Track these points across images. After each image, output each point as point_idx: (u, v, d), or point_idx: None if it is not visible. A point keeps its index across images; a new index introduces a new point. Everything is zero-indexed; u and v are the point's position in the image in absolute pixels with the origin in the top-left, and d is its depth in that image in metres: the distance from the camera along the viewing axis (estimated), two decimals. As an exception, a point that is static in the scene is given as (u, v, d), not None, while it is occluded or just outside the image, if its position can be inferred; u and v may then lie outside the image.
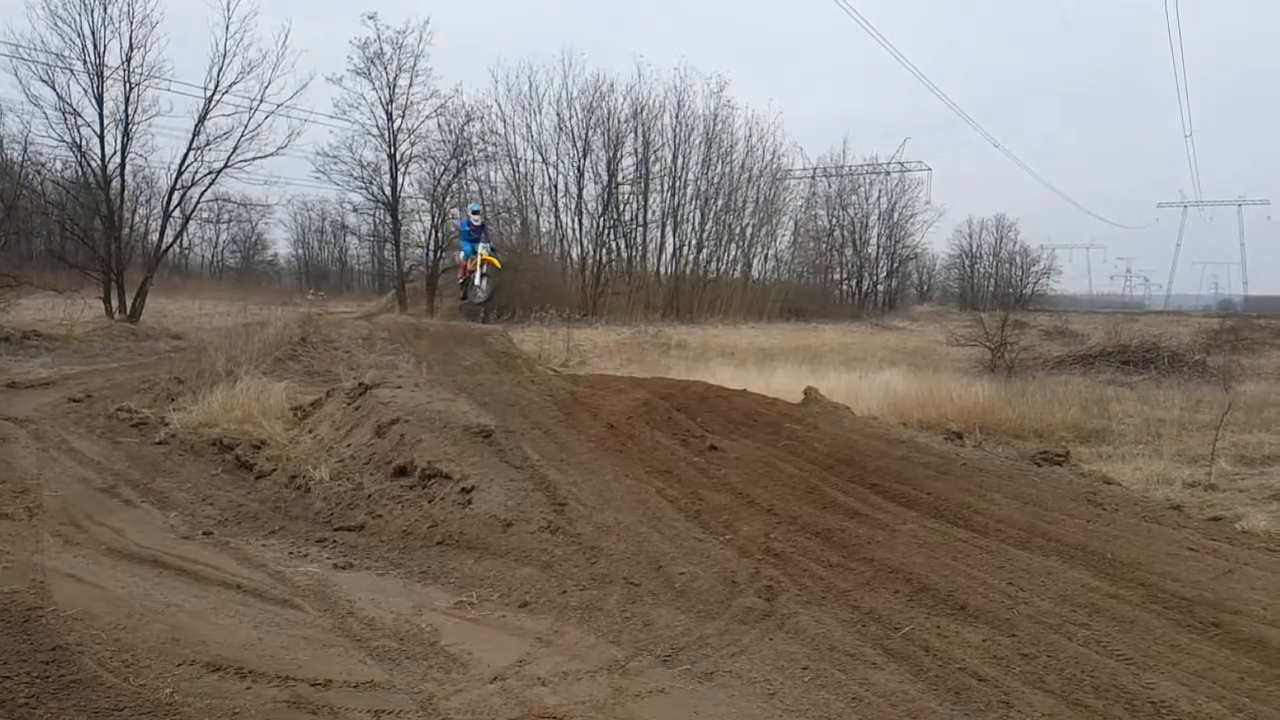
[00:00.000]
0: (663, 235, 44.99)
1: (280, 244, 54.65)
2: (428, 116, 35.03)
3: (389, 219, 36.06)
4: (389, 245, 37.84)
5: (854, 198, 56.13)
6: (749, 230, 48.07)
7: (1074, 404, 12.78)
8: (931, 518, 6.31)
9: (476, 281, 14.40)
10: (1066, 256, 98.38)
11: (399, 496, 6.08)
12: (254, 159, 23.65)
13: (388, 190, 35.34)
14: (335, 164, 34.31)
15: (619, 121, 42.21)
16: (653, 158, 43.34)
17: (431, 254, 35.54)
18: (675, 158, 44.05)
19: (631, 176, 43.01)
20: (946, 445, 8.92)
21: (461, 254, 15.10)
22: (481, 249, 14.54)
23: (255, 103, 22.89)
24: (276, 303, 19.07)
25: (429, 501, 5.96)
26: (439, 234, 35.69)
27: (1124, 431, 11.42)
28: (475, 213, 15.34)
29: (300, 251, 54.63)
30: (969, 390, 13.39)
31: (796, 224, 52.66)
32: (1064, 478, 7.78)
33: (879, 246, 58.70)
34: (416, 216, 37.09)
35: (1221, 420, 10.11)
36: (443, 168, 35.89)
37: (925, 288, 68.84)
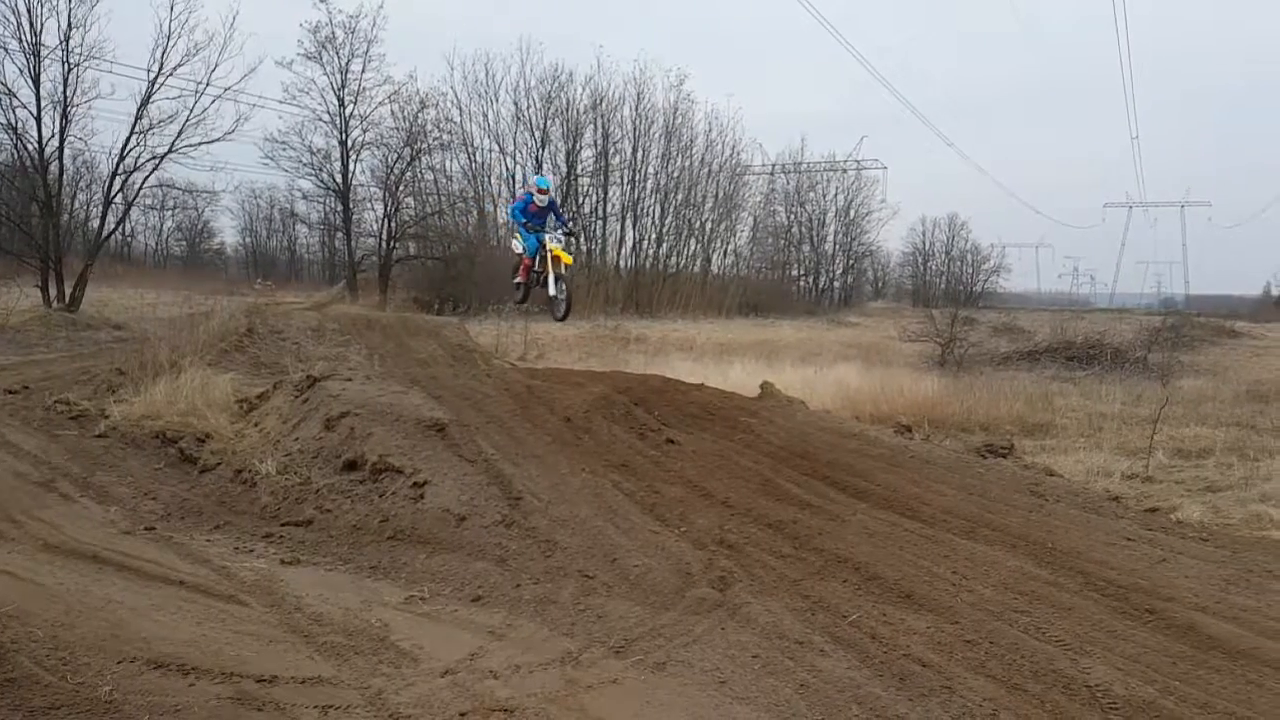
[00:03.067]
0: (622, 229, 44.96)
1: (227, 232, 53.23)
2: (380, 103, 34.54)
3: (340, 207, 35.46)
4: (340, 234, 37.19)
5: (812, 195, 56.73)
6: (708, 225, 48.26)
7: (1020, 398, 13.11)
8: (881, 509, 6.43)
9: (553, 292, 9.96)
10: (1016, 255, 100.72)
11: (348, 491, 6.00)
12: (200, 144, 22.94)
13: (339, 177, 34.77)
14: (284, 150, 33.64)
15: (578, 112, 42.01)
16: (612, 150, 43.22)
17: (384, 243, 35.06)
18: (635, 151, 44.00)
19: (591, 168, 42.90)
20: (897, 438, 9.08)
21: (517, 245, 10.73)
22: (550, 240, 10.13)
23: (201, 86, 22.19)
24: (223, 292, 18.69)
25: (380, 496, 5.89)
26: (392, 223, 35.24)
27: (1067, 425, 11.75)
28: (543, 190, 10.65)
29: (248, 240, 53.31)
30: (919, 385, 13.66)
31: (755, 220, 53.03)
32: (1008, 470, 7.99)
33: (835, 243, 59.45)
34: (369, 205, 36.56)
35: (1159, 415, 10.46)
36: (396, 155, 35.42)
37: (880, 284, 69.86)
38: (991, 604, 4.70)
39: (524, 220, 10.54)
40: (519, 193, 11.41)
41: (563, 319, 10.87)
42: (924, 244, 66.94)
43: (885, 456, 7.83)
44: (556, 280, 10.09)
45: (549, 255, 10.15)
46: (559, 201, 12.14)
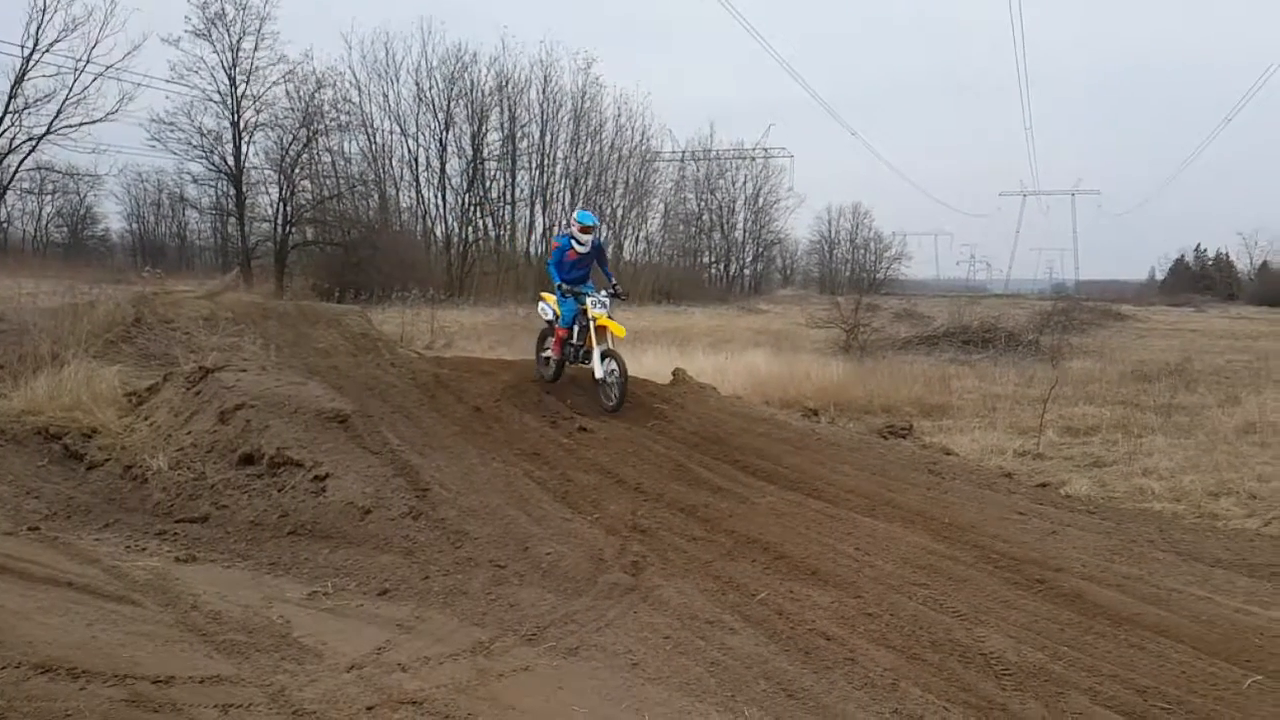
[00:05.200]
0: (532, 214, 44.55)
1: (112, 218, 50.08)
2: (274, 83, 33.32)
3: (232, 191, 33.99)
4: (233, 219, 35.62)
5: (721, 182, 57.54)
6: (619, 212, 48.35)
7: (919, 382, 13.59)
8: (789, 490, 6.59)
9: (599, 374, 8.06)
10: (917, 243, 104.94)
11: (246, 486, 5.77)
12: (81, 125, 21.69)
13: (231, 160, 33.37)
14: (172, 132, 32.13)
15: (483, 94, 41.39)
16: (520, 133, 42.75)
17: (280, 228, 33.73)
18: (543, 134, 43.65)
19: (498, 152, 42.28)
20: (803, 422, 9.31)
21: (547, 310, 8.77)
22: (593, 306, 8.16)
23: (81, 63, 20.96)
24: (108, 281, 17.63)
25: (279, 490, 5.70)
26: (288, 207, 33.95)
27: (963, 406, 12.26)
28: (588, 227, 8.56)
29: (134, 226, 50.32)
30: (825, 370, 14.00)
31: (667, 207, 53.45)
32: (908, 450, 8.30)
33: (745, 231, 60.53)
34: (263, 188, 35.14)
35: (1049, 395, 11.02)
36: (291, 137, 34.17)
37: (789, 272, 71.54)
38: (892, 578, 4.88)
39: (562, 278, 8.46)
40: (554, 239, 8.67)
41: (616, 408, 8.01)
42: (830, 232, 69.01)
43: (793, 440, 8.02)
44: (604, 357, 8.07)
45: (591, 325, 8.15)
46: (604, 245, 9.95)
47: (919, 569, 5.04)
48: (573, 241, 8.52)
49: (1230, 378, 14.69)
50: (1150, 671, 3.83)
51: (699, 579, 4.81)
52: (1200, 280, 70.26)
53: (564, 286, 8.43)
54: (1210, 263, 73.24)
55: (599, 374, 8.05)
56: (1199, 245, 75.34)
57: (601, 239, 9.20)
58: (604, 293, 8.44)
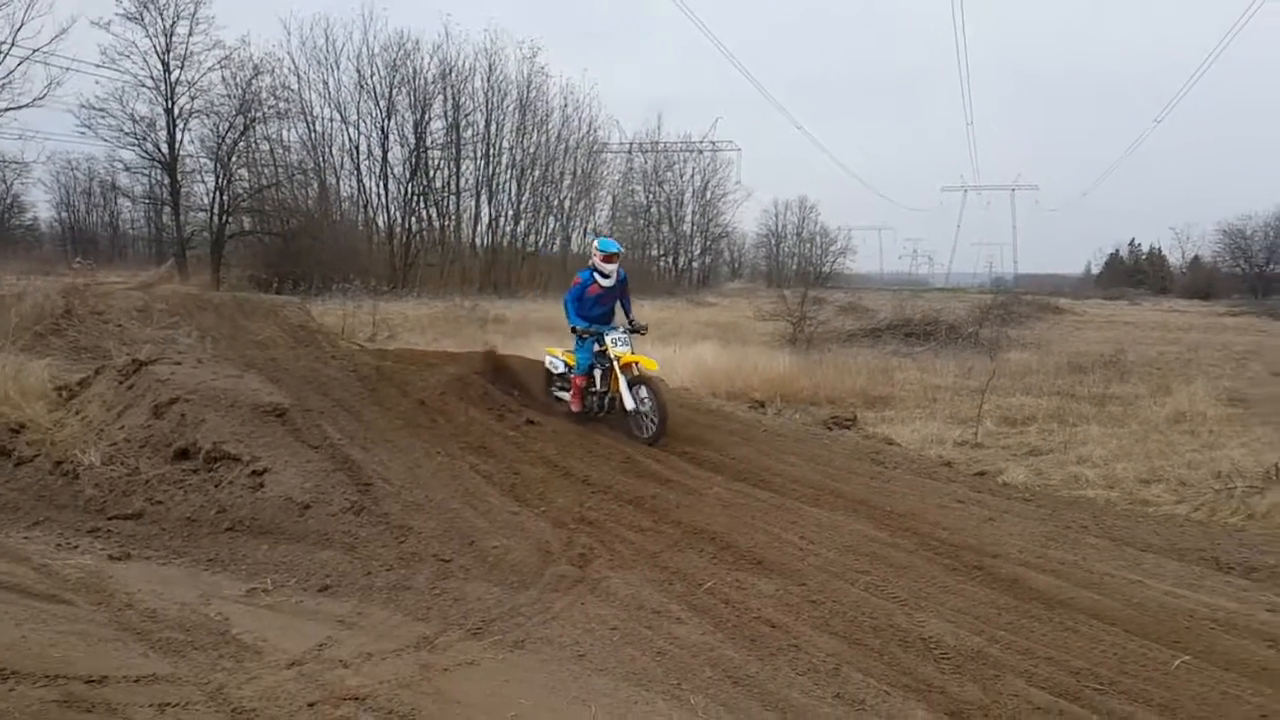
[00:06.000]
0: (477, 205, 44.09)
1: (41, 206, 48.19)
2: (210, 68, 32.37)
3: (167, 179, 32.89)
4: (167, 209, 34.49)
5: (669, 174, 57.74)
6: (567, 203, 48.13)
7: (863, 373, 13.85)
8: (735, 480, 6.66)
9: (630, 404, 7.30)
10: (861, 237, 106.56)
11: (181, 481, 5.60)
12: (6, 110, 20.69)
13: (164, 148, 32.26)
14: (103, 118, 30.96)
15: (426, 81, 40.82)
16: (464, 122, 42.26)
17: (216, 218, 32.77)
18: (488, 123, 43.22)
19: (441, 141, 41.69)
20: (750, 413, 9.43)
21: (556, 362, 8.16)
22: (614, 344, 7.43)
23: (6, 46, 19.99)
24: (37, 272, 16.94)
25: (215, 486, 5.54)
26: (224, 196, 32.99)
27: (905, 397, 12.53)
28: (612, 255, 7.69)
29: (64, 215, 48.49)
30: (772, 362, 14.16)
31: (614, 199, 53.38)
32: (852, 440, 8.46)
33: (693, 224, 60.84)
34: (199, 177, 34.11)
35: (987, 386, 11.32)
36: (228, 124, 33.20)
37: (737, 265, 72.14)
38: (835, 565, 4.97)
39: (585, 303, 7.54)
40: (576, 275, 7.85)
41: (654, 440, 7.16)
42: (777, 226, 69.78)
43: (740, 431, 8.10)
44: (631, 385, 7.22)
45: (615, 365, 7.29)
46: (627, 285, 8.10)
47: (862, 556, 5.13)
48: (595, 275, 7.55)
49: (1162, 369, 15.25)
50: (1084, 653, 3.96)
51: (646, 570, 4.82)
52: (1134, 274, 72.67)
53: (583, 330, 7.40)
54: (1144, 257, 75.82)
55: (630, 405, 7.16)
56: (1133, 240, 78.17)
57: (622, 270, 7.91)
58: (621, 329, 7.56)
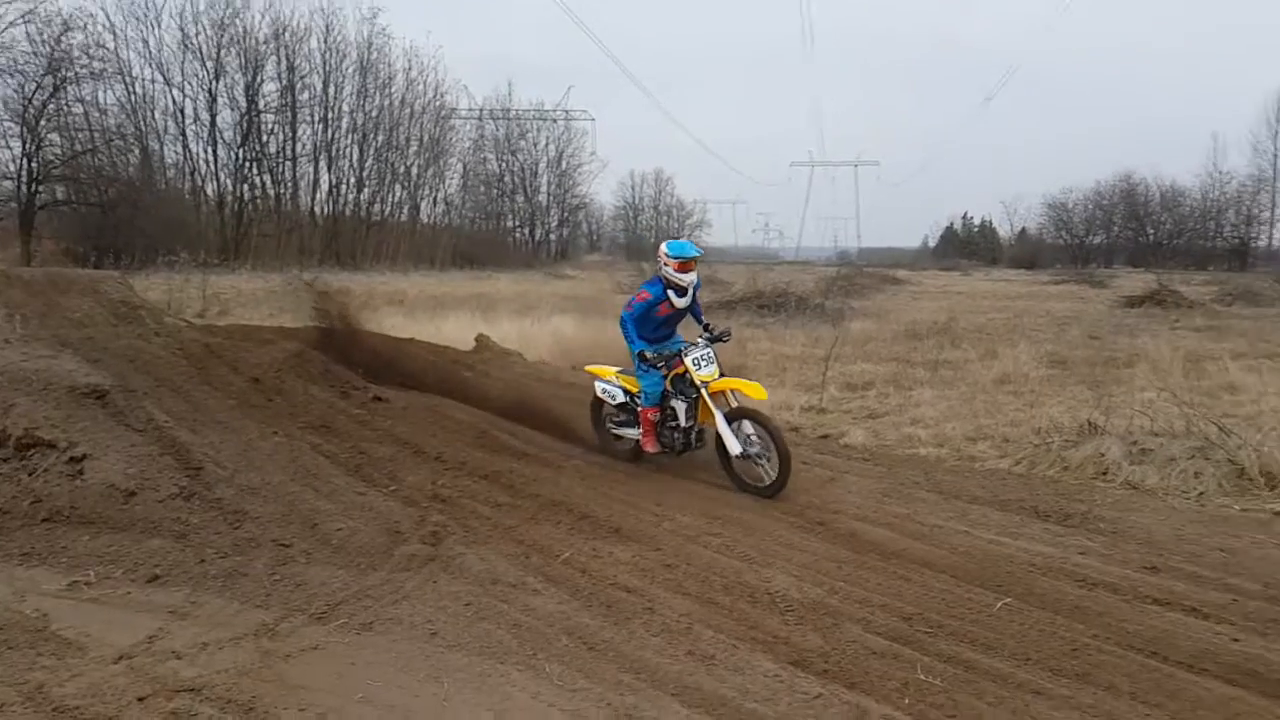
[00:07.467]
0: (316, 171, 41.73)
1: None
2: (12, 23, 28.83)
3: (-36, 144, 29.21)
4: (-34, 178, 30.66)
5: (523, 143, 56.75)
6: (414, 170, 46.39)
7: (718, 344, 14.15)
8: (595, 453, 6.67)
9: (735, 448, 5.83)
10: (717, 210, 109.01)
11: (-15, 472, 5.02)
12: None
13: (-40, 110, 28.58)
14: (-121, 72, 26.91)
15: (257, 42, 38.21)
16: (300, 85, 39.87)
17: (25, 187, 29.45)
18: (327, 86, 40.96)
19: (275, 104, 39.18)
20: (608, 384, 9.43)
21: (614, 389, 6.58)
22: (697, 365, 6.02)
23: None
24: None
25: (29, 474, 5.01)
26: (33, 163, 29.66)
27: (758, 367, 12.89)
28: (689, 262, 6.20)
29: None
30: (630, 334, 14.22)
31: (466, 167, 51.96)
32: (707, 408, 8.64)
33: (549, 195, 60.11)
34: (3, 142, 30.44)
35: (830, 354, 11.85)
36: (35, 85, 29.79)
37: (595, 237, 72.04)
38: (688, 530, 5.09)
39: (651, 349, 6.09)
40: (640, 289, 6.39)
41: (776, 491, 5.72)
42: (634, 198, 70.08)
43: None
44: (731, 420, 5.83)
45: (704, 392, 5.95)
46: (699, 294, 6.73)
47: (713, 520, 5.28)
48: (668, 291, 6.14)
49: (990, 334, 16.36)
50: (915, 600, 4.23)
51: (502, 544, 4.76)
52: (967, 246, 77.40)
53: (653, 356, 6.05)
54: (976, 230, 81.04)
55: (735, 449, 5.75)
56: (966, 214, 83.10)
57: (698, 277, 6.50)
58: (701, 340, 6.16)
